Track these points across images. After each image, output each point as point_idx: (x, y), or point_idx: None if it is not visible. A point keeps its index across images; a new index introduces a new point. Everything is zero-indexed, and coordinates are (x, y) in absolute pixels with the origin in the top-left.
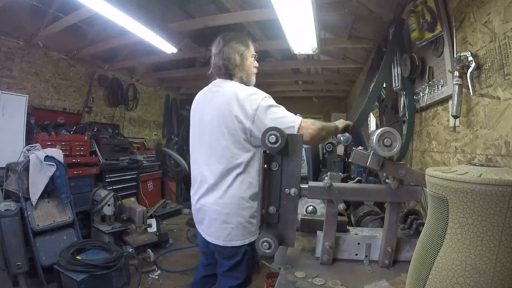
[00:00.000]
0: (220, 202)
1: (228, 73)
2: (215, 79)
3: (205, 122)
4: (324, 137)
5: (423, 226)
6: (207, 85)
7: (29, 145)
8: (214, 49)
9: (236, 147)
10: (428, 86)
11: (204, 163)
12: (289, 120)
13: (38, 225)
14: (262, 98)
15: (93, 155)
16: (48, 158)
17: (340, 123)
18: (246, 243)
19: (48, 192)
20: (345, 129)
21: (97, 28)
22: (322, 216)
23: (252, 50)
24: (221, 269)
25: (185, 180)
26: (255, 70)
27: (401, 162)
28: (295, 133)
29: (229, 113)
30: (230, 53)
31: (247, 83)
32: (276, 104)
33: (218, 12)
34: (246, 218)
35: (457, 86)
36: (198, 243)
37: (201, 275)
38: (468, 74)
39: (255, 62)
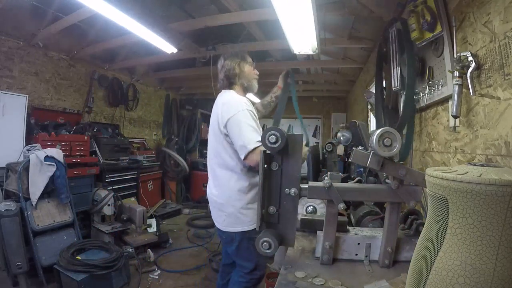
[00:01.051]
0: (216, 193)
1: (229, 82)
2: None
3: (210, 127)
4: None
5: (423, 226)
6: (207, 85)
7: (29, 145)
8: (218, 67)
9: (219, 147)
10: (428, 86)
11: (209, 160)
12: (244, 141)
13: (38, 225)
14: (239, 111)
15: (93, 155)
16: (48, 158)
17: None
18: (238, 230)
19: (48, 192)
20: None
21: (97, 28)
22: (322, 216)
23: (248, 59)
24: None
25: (185, 180)
26: (255, 76)
27: (401, 162)
28: (243, 155)
29: (216, 117)
30: (229, 65)
31: (249, 88)
32: (250, 122)
33: (218, 12)
34: (238, 208)
35: (457, 86)
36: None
37: (222, 263)
38: (468, 74)
39: (255, 70)
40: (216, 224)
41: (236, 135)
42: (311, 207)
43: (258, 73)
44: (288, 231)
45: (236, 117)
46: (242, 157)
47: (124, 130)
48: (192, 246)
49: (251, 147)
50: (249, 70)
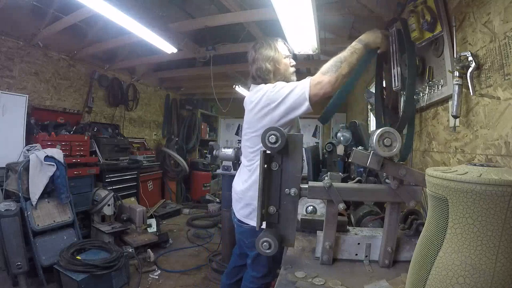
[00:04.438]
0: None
1: (264, 82)
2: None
3: (245, 123)
4: (347, 74)
5: (423, 226)
6: (207, 85)
7: (29, 145)
8: (249, 59)
9: (256, 139)
10: (428, 86)
11: (244, 157)
12: (296, 93)
13: (38, 225)
14: (270, 88)
15: (93, 155)
16: (48, 158)
17: (366, 37)
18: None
19: (48, 192)
20: (375, 43)
21: (97, 28)
22: (322, 216)
23: (283, 51)
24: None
25: (185, 180)
26: (292, 70)
27: (401, 162)
28: (307, 98)
29: (247, 114)
30: (260, 62)
31: None
32: (284, 86)
33: (218, 12)
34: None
35: (457, 86)
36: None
37: (232, 265)
38: (468, 74)
39: (291, 60)
40: (240, 218)
41: (285, 107)
42: (311, 207)
43: (294, 63)
44: (288, 231)
45: (273, 91)
46: (308, 103)
47: (124, 130)
48: (192, 246)
49: (307, 92)
50: (286, 65)
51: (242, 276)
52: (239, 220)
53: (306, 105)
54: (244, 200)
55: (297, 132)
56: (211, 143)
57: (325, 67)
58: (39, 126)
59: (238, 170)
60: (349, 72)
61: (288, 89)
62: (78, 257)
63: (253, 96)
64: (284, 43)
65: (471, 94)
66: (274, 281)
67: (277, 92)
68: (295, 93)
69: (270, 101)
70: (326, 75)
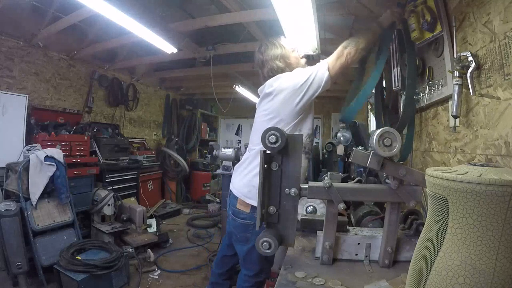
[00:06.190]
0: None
1: None
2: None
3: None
4: (365, 47)
5: (423, 226)
6: (207, 85)
7: (29, 145)
8: (257, 63)
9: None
10: (428, 86)
11: (253, 146)
12: (318, 79)
13: (38, 225)
14: (288, 75)
15: (93, 155)
16: (48, 158)
17: (384, 18)
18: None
19: (48, 192)
20: (386, 18)
21: (97, 28)
22: (322, 216)
23: (288, 45)
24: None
25: (185, 180)
26: (303, 61)
27: (401, 162)
28: (327, 69)
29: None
30: (270, 63)
31: None
32: (302, 70)
33: (218, 12)
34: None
35: (457, 86)
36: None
37: (221, 255)
38: (468, 74)
39: (300, 53)
40: (245, 199)
41: (302, 76)
42: (311, 207)
43: (303, 54)
44: (288, 231)
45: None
46: (328, 73)
47: (124, 130)
48: (192, 246)
49: (327, 74)
50: (295, 59)
51: (232, 265)
52: (233, 213)
53: (326, 75)
54: (253, 184)
55: (314, 120)
56: (211, 143)
57: (345, 42)
58: (39, 126)
59: (243, 160)
60: (366, 46)
61: (308, 70)
62: (78, 257)
63: (273, 82)
64: (285, 38)
65: (471, 94)
66: (272, 280)
67: (297, 75)
68: (314, 70)
69: (292, 84)
70: (347, 48)
